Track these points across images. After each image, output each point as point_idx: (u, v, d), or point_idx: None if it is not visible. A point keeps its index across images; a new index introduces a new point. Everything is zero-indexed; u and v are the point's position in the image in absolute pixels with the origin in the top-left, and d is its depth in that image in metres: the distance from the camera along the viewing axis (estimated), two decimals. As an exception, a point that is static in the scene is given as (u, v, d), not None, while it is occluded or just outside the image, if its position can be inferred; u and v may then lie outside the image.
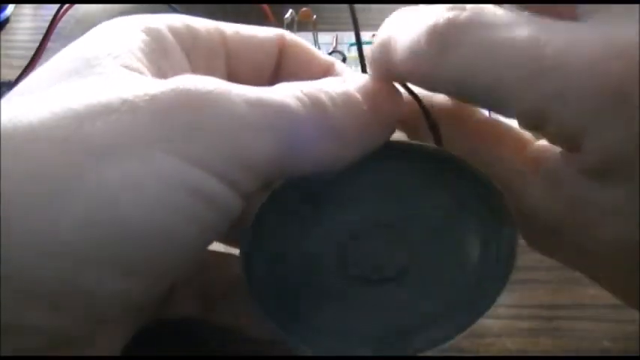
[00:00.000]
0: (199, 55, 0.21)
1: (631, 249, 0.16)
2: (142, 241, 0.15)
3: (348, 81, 0.19)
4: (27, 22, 0.44)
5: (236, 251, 0.19)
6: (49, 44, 0.36)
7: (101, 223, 0.15)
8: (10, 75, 0.36)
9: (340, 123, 0.18)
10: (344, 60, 0.34)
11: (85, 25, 0.43)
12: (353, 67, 0.36)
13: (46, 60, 0.19)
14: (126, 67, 0.18)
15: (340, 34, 0.38)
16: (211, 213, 0.16)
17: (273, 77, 0.23)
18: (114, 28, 0.20)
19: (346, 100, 0.18)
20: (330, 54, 0.34)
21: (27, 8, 0.45)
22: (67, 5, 0.36)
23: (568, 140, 0.16)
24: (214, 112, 0.16)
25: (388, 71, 0.19)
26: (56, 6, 0.36)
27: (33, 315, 0.15)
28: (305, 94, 0.17)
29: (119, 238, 0.15)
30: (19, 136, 0.15)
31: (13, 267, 0.14)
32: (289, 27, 0.35)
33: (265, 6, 0.35)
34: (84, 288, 0.15)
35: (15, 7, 0.45)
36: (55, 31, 0.36)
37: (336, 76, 0.22)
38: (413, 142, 0.21)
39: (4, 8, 0.44)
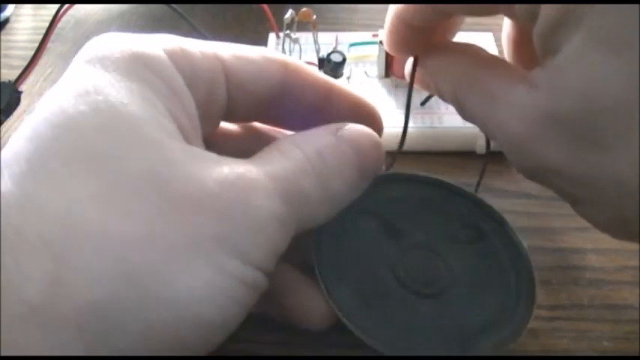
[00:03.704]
0: (200, 85, 0.20)
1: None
2: (206, 331, 0.17)
3: (343, 136, 0.20)
4: (27, 22, 0.44)
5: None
6: (49, 44, 0.36)
7: (177, 320, 0.16)
8: (10, 75, 0.36)
9: (334, 188, 0.20)
10: (343, 60, 0.34)
11: (85, 25, 0.43)
12: (353, 66, 0.36)
13: (46, 60, 0.19)
14: (161, 130, 0.18)
15: (340, 34, 0.38)
16: (251, 295, 0.18)
17: (276, 103, 0.22)
18: (116, 67, 0.18)
19: (340, 159, 0.20)
20: (329, 54, 0.34)
21: (27, 8, 0.45)
22: (67, 5, 0.36)
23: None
24: (260, 213, 0.18)
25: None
26: (56, 6, 0.36)
27: None
28: (310, 163, 0.19)
29: (188, 331, 0.17)
30: (103, 239, 0.16)
31: None
32: (289, 27, 0.35)
33: (265, 6, 0.35)
34: None
35: (15, 7, 0.45)
36: (55, 31, 0.36)
37: (337, 96, 0.23)
38: (431, 175, 0.24)
39: (4, 8, 0.44)
